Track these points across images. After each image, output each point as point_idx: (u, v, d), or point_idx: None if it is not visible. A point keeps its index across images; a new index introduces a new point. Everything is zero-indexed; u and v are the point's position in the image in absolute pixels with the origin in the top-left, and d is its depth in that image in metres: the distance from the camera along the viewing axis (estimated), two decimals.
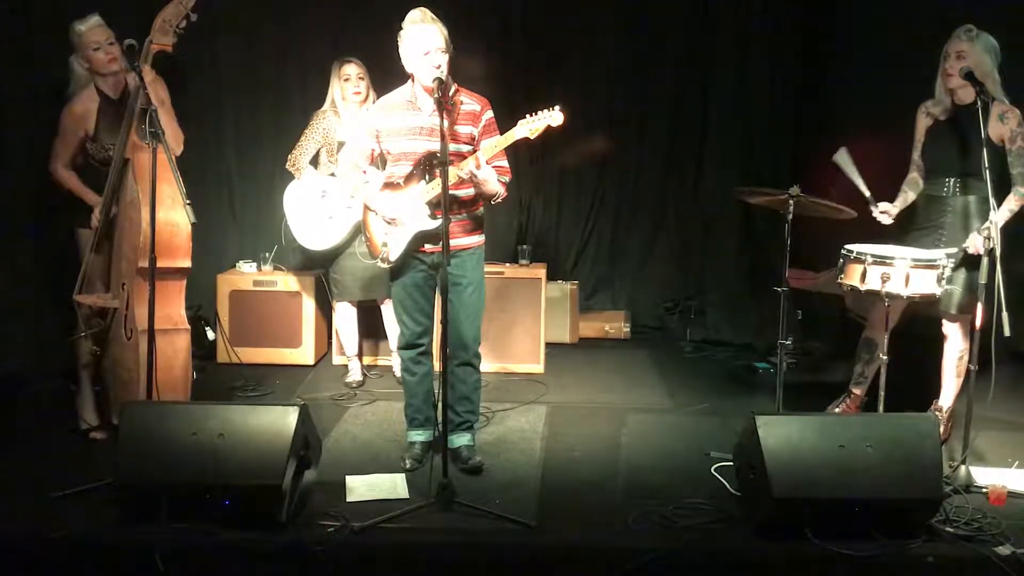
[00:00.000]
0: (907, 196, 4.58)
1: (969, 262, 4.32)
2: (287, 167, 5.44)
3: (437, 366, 4.22)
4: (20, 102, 5.51)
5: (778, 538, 3.50)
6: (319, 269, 5.82)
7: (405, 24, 3.99)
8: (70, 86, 4.52)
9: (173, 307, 4.33)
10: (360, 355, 5.76)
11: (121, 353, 4.38)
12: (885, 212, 4.46)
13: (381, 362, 5.94)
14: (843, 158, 4.43)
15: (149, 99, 3.99)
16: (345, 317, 5.62)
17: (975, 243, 4.21)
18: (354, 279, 5.43)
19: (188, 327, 4.40)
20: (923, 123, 4.58)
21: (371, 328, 5.84)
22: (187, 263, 4.33)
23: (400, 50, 4.02)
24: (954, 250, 4.32)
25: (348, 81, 5.29)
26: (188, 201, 3.87)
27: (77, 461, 4.19)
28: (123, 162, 4.31)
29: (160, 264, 4.04)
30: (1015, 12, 5.11)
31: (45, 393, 5.11)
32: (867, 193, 4.44)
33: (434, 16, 3.98)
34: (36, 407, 4.99)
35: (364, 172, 4.22)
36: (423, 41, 3.93)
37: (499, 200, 4.14)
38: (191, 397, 4.43)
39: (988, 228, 4.01)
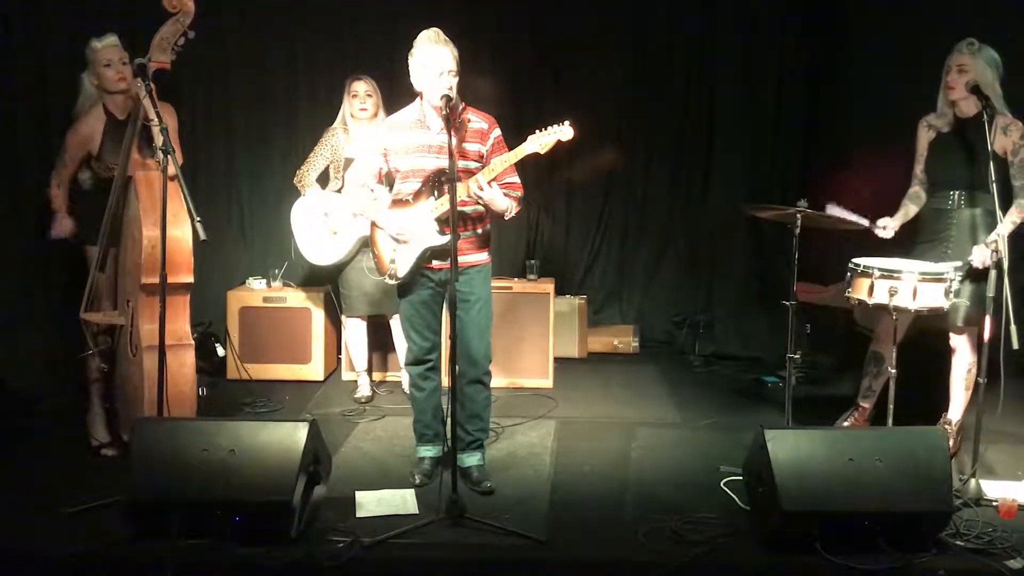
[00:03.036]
0: (908, 210, 4.59)
1: (975, 275, 4.32)
2: (294, 182, 5.49)
3: (446, 381, 4.23)
4: (32, 120, 5.56)
5: (788, 552, 3.50)
6: (328, 284, 5.85)
7: (418, 43, 4.01)
8: (78, 102, 4.57)
9: (177, 322, 4.33)
10: (369, 370, 5.78)
11: (128, 369, 4.40)
12: (884, 227, 4.47)
13: (390, 377, 5.95)
14: (834, 211, 4.44)
15: (148, 115, 4.03)
16: (355, 332, 5.64)
17: (981, 256, 4.21)
18: (362, 295, 5.46)
19: (192, 342, 4.40)
20: (925, 137, 4.59)
21: (380, 343, 5.86)
22: (189, 279, 4.33)
23: (410, 68, 4.04)
24: (959, 263, 4.32)
25: (356, 98, 5.34)
26: (199, 219, 3.88)
27: (88, 478, 4.21)
28: (126, 179, 4.35)
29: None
30: (1018, 24, 5.13)
31: (56, 410, 5.14)
32: (865, 223, 4.45)
33: (447, 38, 4.01)
34: (47, 424, 5.01)
35: (372, 191, 4.24)
36: (436, 62, 3.95)
37: (512, 215, 4.15)
38: (197, 413, 4.44)
39: (995, 241, 4.01)
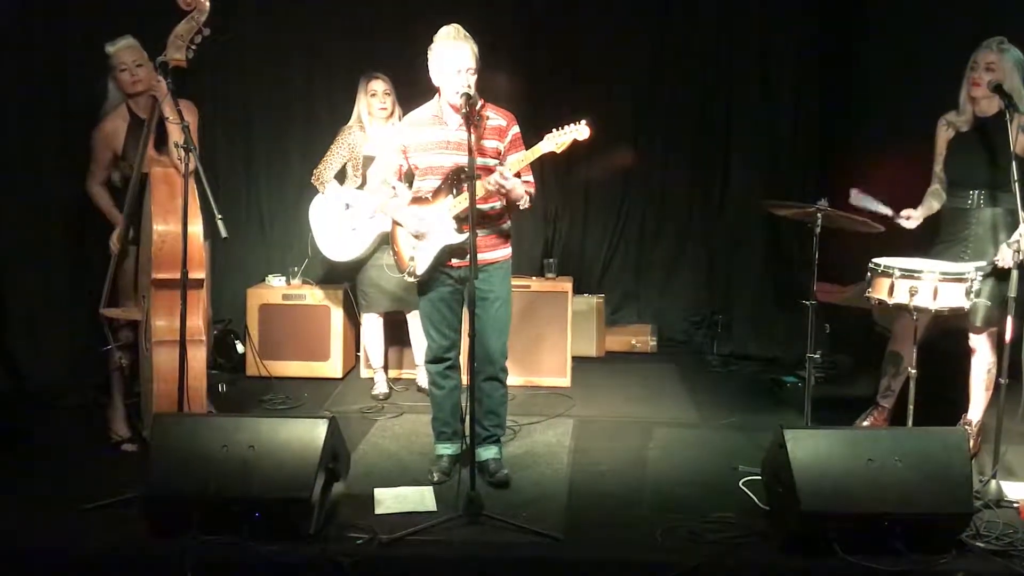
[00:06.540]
0: (931, 205, 4.58)
1: (996, 275, 4.30)
2: (312, 181, 5.51)
3: (464, 379, 4.23)
4: (54, 120, 5.60)
5: (806, 553, 3.48)
6: (347, 282, 5.88)
7: (437, 40, 4.01)
8: (104, 105, 4.60)
9: (189, 318, 4.30)
10: (385, 367, 5.79)
11: (144, 365, 4.42)
12: (909, 217, 4.45)
13: (405, 375, 5.97)
14: (858, 198, 4.43)
15: (164, 112, 4.05)
16: (372, 329, 5.66)
17: (1005, 257, 4.18)
18: (381, 291, 5.48)
19: (204, 338, 4.39)
20: (944, 135, 4.57)
21: (397, 340, 5.88)
22: (201, 274, 4.30)
23: (429, 65, 4.04)
24: (983, 263, 4.29)
25: (375, 97, 5.36)
26: (220, 216, 3.88)
27: (108, 473, 4.24)
28: (142, 176, 4.37)
29: (171, 275, 4.07)
30: None
31: (77, 406, 5.17)
32: (889, 212, 4.43)
33: (467, 34, 4.01)
34: (68, 419, 5.05)
35: (393, 188, 4.25)
36: (456, 59, 3.95)
37: (526, 206, 4.13)
38: (212, 409, 4.45)
39: (1018, 241, 3.98)
